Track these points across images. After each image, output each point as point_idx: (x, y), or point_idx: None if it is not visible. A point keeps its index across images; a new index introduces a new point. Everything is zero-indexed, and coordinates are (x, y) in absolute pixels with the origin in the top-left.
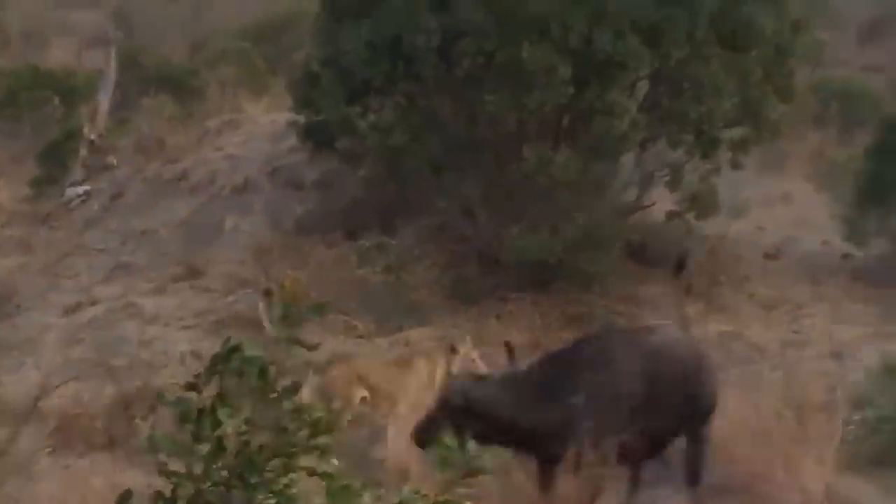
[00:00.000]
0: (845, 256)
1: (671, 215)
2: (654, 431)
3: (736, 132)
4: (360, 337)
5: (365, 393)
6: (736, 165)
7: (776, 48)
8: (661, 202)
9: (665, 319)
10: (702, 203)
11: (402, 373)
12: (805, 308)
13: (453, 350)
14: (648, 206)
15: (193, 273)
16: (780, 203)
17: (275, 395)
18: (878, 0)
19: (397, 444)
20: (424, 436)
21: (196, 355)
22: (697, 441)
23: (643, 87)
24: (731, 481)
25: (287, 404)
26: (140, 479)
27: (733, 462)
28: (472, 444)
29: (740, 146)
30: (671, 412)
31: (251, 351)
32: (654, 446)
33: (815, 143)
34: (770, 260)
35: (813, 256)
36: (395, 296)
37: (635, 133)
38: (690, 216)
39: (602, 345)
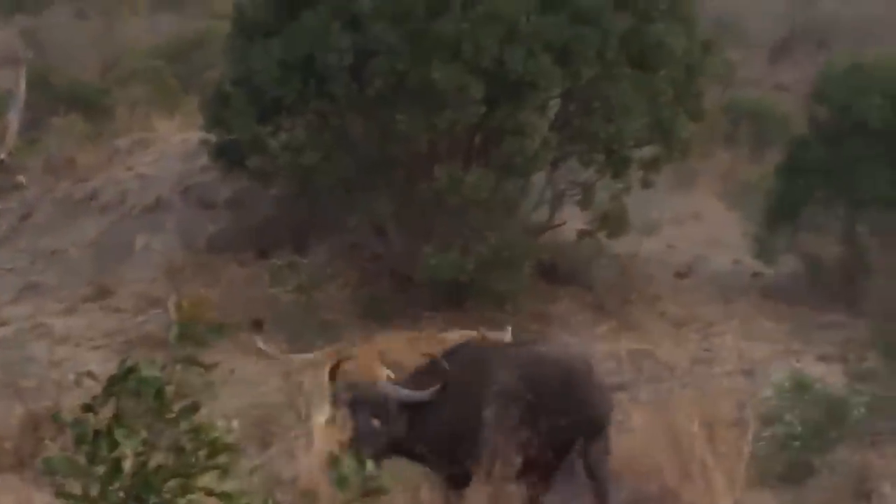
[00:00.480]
0: (755, 274)
1: (582, 234)
2: (543, 445)
3: (646, 151)
4: (273, 357)
5: (388, 371)
6: (647, 184)
7: (686, 68)
8: (573, 221)
9: (575, 338)
10: (613, 222)
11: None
12: (715, 326)
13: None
14: (559, 225)
15: (104, 293)
16: (691, 222)
17: (172, 415)
18: (787, 20)
19: (308, 462)
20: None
21: (92, 376)
22: (594, 457)
23: (554, 106)
24: (641, 497)
25: (185, 424)
26: (48, 500)
27: (644, 478)
28: (370, 464)
29: (651, 165)
30: (556, 426)
31: (148, 371)
32: (547, 462)
33: (726, 162)
34: (681, 278)
35: (723, 275)
36: (307, 315)
37: (546, 152)
38: (601, 235)
39: (474, 357)
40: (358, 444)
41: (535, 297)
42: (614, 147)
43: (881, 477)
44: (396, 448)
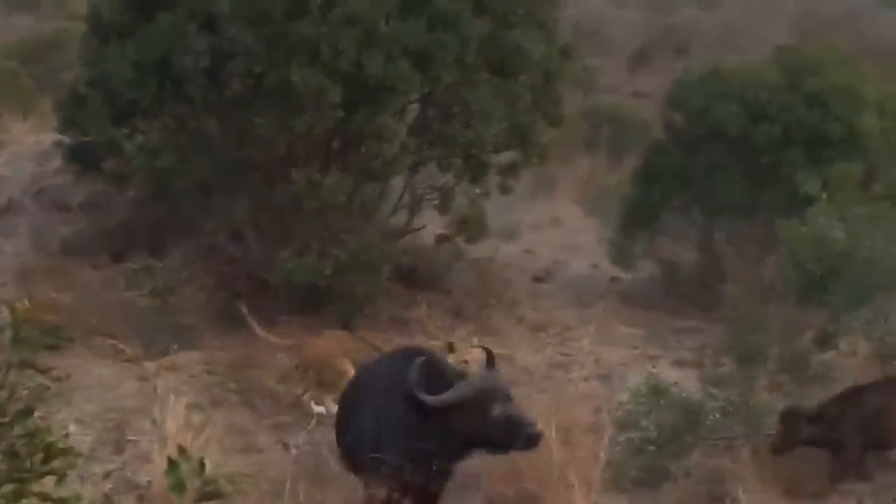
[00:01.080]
0: (613, 280)
1: (441, 239)
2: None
3: (505, 156)
4: (128, 361)
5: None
6: (505, 189)
7: (545, 74)
8: (431, 225)
9: (434, 343)
10: (471, 227)
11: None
12: (573, 331)
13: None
14: (418, 230)
15: None
16: (551, 227)
17: (6, 419)
18: (647, 28)
19: (162, 466)
20: None
21: None
22: None
23: (413, 110)
24: (498, 501)
25: (19, 429)
26: None
27: (501, 482)
28: (209, 467)
29: (509, 170)
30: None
31: None
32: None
33: (586, 168)
34: (539, 283)
35: (581, 280)
36: (162, 319)
37: (405, 156)
38: (460, 240)
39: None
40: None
41: (393, 301)
42: (473, 152)
43: (735, 481)
44: None
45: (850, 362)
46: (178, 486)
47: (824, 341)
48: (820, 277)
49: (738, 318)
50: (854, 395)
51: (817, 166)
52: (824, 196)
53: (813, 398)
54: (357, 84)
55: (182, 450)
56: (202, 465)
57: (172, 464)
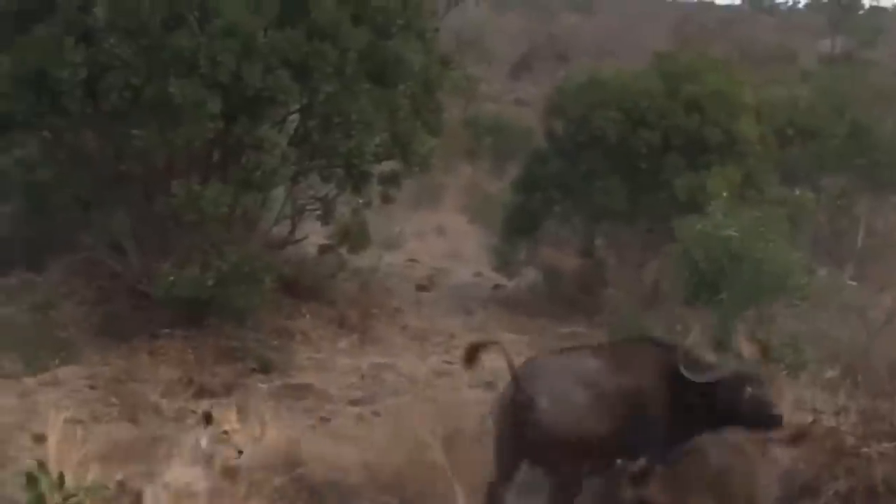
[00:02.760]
0: (496, 287)
1: (323, 249)
2: None
3: (386, 166)
4: (7, 377)
5: None
6: (386, 199)
7: (425, 83)
8: (314, 236)
9: (318, 353)
10: (354, 237)
11: None
12: (457, 338)
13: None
14: (300, 240)
15: None
16: (434, 236)
17: None
18: (528, 35)
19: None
20: None
21: None
22: None
23: (294, 121)
24: None
25: None
26: None
27: (385, 490)
28: (69, 481)
29: (390, 180)
30: None
31: None
32: None
33: (469, 176)
34: (422, 291)
35: (465, 287)
36: (43, 334)
37: (286, 167)
38: (343, 250)
39: None
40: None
41: (276, 312)
42: (354, 162)
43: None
44: None
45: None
46: (37, 502)
47: (715, 344)
48: (711, 277)
49: (619, 322)
50: None
51: (696, 171)
52: (724, 195)
53: None
54: (236, 95)
55: (41, 464)
56: (62, 479)
57: (31, 479)
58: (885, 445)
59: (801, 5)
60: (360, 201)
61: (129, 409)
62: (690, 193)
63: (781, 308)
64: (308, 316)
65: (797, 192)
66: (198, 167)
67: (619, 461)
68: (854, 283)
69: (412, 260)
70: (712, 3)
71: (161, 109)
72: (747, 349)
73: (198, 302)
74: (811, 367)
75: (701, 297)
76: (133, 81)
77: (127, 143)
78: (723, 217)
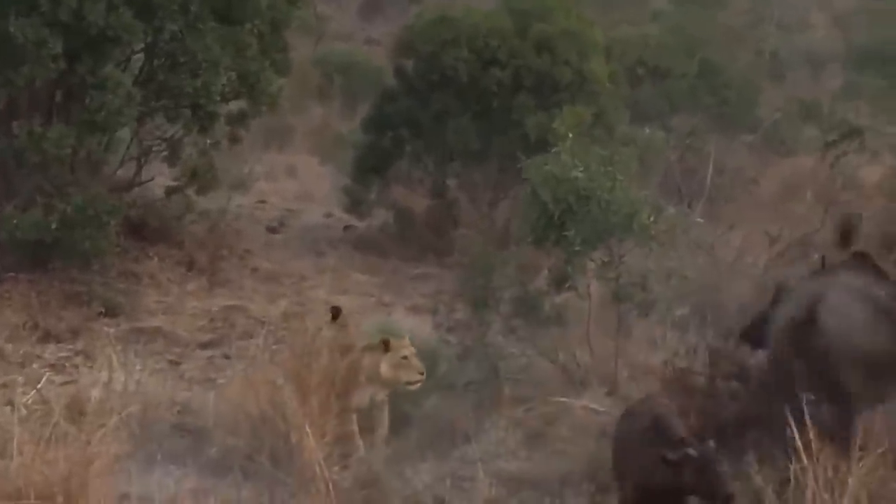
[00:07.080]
0: (347, 228)
1: (170, 191)
2: None
3: (234, 106)
4: None
5: None
6: (234, 139)
7: (272, 21)
8: (161, 177)
9: (166, 296)
10: (201, 178)
11: None
12: (308, 280)
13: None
14: (147, 182)
15: None
16: (285, 177)
17: None
18: None
19: None
20: None
21: None
22: None
23: (138, 60)
24: (230, 453)
25: None
26: None
27: (235, 434)
28: None
29: (238, 120)
30: None
31: None
32: None
33: (320, 117)
34: (273, 233)
35: (316, 229)
36: None
37: (130, 108)
38: (190, 191)
39: None
40: None
41: (123, 255)
42: (201, 102)
43: (470, 422)
44: None
45: (585, 304)
46: None
47: (560, 282)
48: (559, 217)
49: (470, 264)
50: None
51: (547, 111)
52: (570, 136)
53: (546, 339)
54: (79, 34)
55: None
56: None
57: None
58: (734, 384)
59: None
60: (208, 142)
61: None
62: (541, 133)
63: (631, 247)
64: (156, 259)
65: (647, 131)
66: (40, 108)
67: None
68: (703, 222)
69: (262, 201)
70: None
71: (1, 49)
72: (596, 289)
73: (42, 245)
74: (661, 305)
75: (549, 238)
76: None
77: None
78: (570, 157)
